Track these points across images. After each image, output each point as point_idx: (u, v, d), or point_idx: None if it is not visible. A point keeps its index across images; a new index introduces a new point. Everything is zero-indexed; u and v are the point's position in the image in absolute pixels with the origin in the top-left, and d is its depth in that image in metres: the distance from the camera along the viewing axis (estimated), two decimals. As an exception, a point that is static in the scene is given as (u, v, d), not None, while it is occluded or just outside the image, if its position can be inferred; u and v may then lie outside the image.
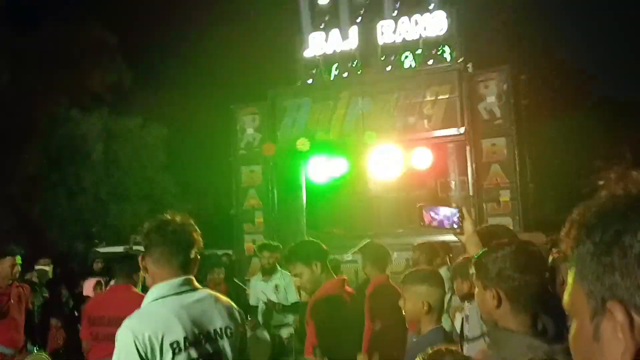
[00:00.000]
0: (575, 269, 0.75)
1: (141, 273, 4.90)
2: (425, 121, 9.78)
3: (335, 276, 3.44)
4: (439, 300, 3.04)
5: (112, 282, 5.80)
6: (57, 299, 7.88)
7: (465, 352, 3.20)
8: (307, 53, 10.97)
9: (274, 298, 6.25)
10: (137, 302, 4.29)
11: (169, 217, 2.55)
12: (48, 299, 7.57)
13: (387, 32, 10.49)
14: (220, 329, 2.50)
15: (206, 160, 20.01)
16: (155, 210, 19.55)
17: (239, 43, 18.83)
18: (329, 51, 10.85)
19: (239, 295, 7.07)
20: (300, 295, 5.56)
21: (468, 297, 3.77)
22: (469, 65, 9.96)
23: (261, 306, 6.33)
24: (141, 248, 2.76)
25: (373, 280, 4.85)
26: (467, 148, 9.48)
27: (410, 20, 10.40)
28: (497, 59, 11.82)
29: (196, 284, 2.56)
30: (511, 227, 5.70)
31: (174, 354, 2.32)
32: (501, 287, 1.92)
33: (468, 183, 9.48)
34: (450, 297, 4.68)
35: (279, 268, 6.31)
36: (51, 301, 7.62)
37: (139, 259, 2.61)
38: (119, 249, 8.87)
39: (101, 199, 18.74)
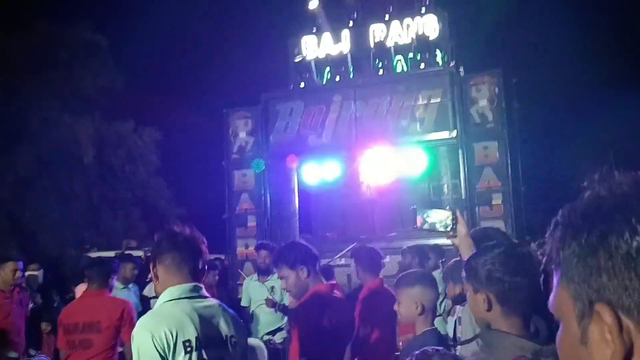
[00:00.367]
0: (561, 271, 0.74)
1: (116, 278, 4.91)
2: (418, 124, 9.80)
3: (323, 281, 3.30)
4: (432, 300, 3.04)
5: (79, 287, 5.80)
6: (49, 303, 7.83)
7: (458, 354, 3.19)
8: (300, 57, 10.96)
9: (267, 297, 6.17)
10: (111, 307, 4.31)
11: (178, 228, 2.66)
12: (40, 304, 7.54)
13: (379, 35, 10.51)
14: (227, 336, 2.58)
15: (198, 164, 19.98)
16: (147, 215, 19.51)
17: (232, 47, 18.82)
18: (322, 55, 10.85)
19: (232, 299, 7.03)
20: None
21: (460, 300, 3.77)
22: (461, 68, 9.99)
23: (257, 313, 6.24)
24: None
25: (367, 284, 4.83)
26: (460, 151, 9.51)
27: (402, 24, 10.42)
28: (489, 62, 11.88)
29: (205, 292, 2.66)
30: (504, 230, 5.71)
31: (186, 352, 2.40)
32: (491, 290, 1.92)
33: (460, 186, 9.51)
34: (443, 300, 4.68)
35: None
36: (42, 306, 7.58)
37: (150, 265, 2.67)
38: (111, 254, 8.81)
39: (93, 203, 18.63)
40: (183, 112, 20.23)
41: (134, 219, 19.37)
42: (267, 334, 6.22)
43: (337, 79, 10.74)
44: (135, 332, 2.45)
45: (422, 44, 10.18)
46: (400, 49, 10.35)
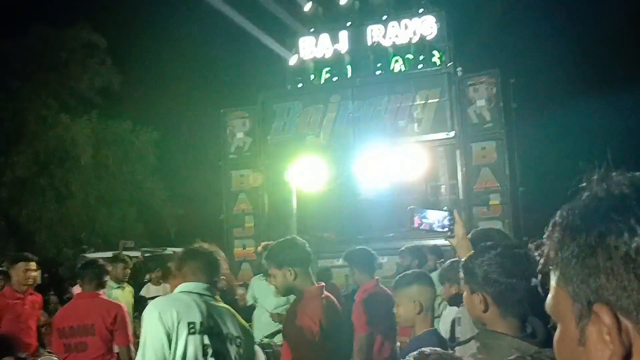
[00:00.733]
0: (559, 272, 0.74)
1: (108, 278, 4.93)
2: (415, 125, 9.81)
3: (315, 283, 3.18)
4: (430, 299, 3.04)
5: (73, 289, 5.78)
6: (45, 304, 7.81)
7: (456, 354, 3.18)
8: (298, 57, 10.96)
9: (273, 299, 6.12)
10: (104, 309, 4.31)
11: (201, 245, 2.97)
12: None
13: (377, 36, 10.51)
14: (231, 334, 2.78)
15: (196, 164, 19.95)
16: (144, 215, 19.49)
17: (229, 47, 18.80)
18: (319, 55, 10.86)
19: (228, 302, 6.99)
20: None
21: (457, 300, 3.76)
22: (459, 68, 10.00)
23: (258, 313, 6.21)
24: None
25: (363, 286, 4.79)
26: (457, 151, 9.51)
27: (400, 24, 10.43)
28: (487, 62, 11.87)
29: (219, 297, 2.90)
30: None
31: (189, 333, 2.60)
32: (487, 291, 1.92)
33: (458, 186, 9.51)
34: (441, 302, 4.66)
35: None
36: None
37: (170, 277, 2.90)
38: (108, 254, 8.79)
39: (90, 204, 18.59)
40: (180, 112, 20.21)
41: (131, 219, 19.34)
42: (267, 336, 6.19)
43: (335, 79, 10.75)
44: (146, 311, 2.68)
45: (419, 44, 10.19)
46: (398, 49, 10.36)
